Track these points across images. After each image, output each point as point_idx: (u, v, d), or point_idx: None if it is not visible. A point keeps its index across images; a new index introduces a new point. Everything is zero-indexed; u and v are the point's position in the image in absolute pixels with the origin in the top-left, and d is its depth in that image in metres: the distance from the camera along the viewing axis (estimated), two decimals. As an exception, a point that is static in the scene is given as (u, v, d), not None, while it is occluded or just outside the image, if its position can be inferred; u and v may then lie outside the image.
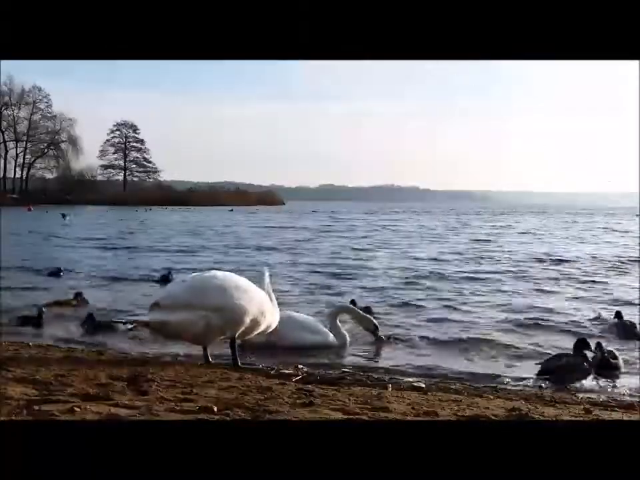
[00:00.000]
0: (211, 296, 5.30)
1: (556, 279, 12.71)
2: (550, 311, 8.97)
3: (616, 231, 32.55)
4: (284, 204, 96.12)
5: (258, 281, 5.69)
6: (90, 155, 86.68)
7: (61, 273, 12.54)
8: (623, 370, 5.92)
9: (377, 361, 6.36)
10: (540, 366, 5.84)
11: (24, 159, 79.33)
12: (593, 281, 12.36)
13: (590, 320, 8.26)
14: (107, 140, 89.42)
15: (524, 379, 5.66)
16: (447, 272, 13.58)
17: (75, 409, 3.44)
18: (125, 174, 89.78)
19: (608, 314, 8.28)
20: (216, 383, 4.50)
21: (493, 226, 37.91)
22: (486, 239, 25.38)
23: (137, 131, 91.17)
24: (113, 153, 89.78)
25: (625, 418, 3.98)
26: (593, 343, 6.06)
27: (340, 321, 6.98)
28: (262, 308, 5.49)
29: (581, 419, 3.92)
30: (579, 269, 14.52)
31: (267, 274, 5.80)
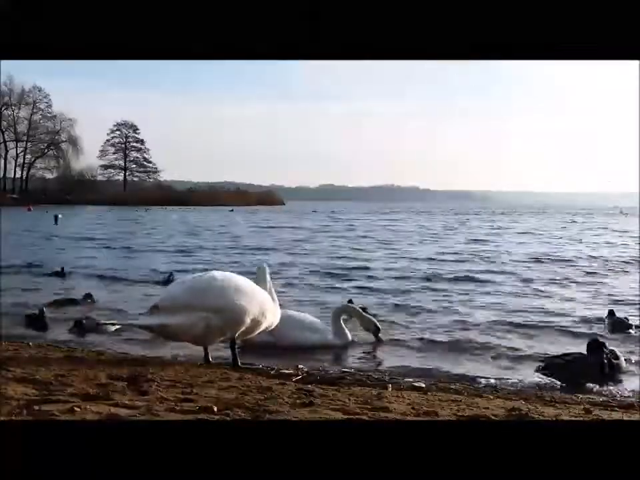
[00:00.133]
0: (210, 297, 5.28)
1: (556, 279, 12.72)
2: (550, 311, 8.97)
3: (616, 231, 32.54)
4: (284, 204, 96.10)
5: (258, 277, 5.69)
6: (90, 154, 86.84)
7: (64, 274, 12.51)
8: (624, 370, 5.92)
9: (377, 361, 6.36)
10: (543, 363, 5.85)
11: (24, 159, 79.39)
12: (593, 281, 12.36)
13: (589, 321, 8.26)
14: (107, 140, 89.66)
15: (524, 379, 5.65)
16: (446, 272, 13.58)
17: (75, 408, 3.43)
18: (125, 174, 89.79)
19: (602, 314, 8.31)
20: (216, 383, 4.49)
21: (491, 226, 37.89)
22: (485, 239, 25.38)
23: (137, 131, 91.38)
24: (113, 153, 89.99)
25: (625, 418, 3.98)
26: (585, 344, 6.07)
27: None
28: (263, 307, 5.48)
29: (581, 419, 3.92)
30: (579, 269, 14.52)
31: (267, 270, 5.79)
